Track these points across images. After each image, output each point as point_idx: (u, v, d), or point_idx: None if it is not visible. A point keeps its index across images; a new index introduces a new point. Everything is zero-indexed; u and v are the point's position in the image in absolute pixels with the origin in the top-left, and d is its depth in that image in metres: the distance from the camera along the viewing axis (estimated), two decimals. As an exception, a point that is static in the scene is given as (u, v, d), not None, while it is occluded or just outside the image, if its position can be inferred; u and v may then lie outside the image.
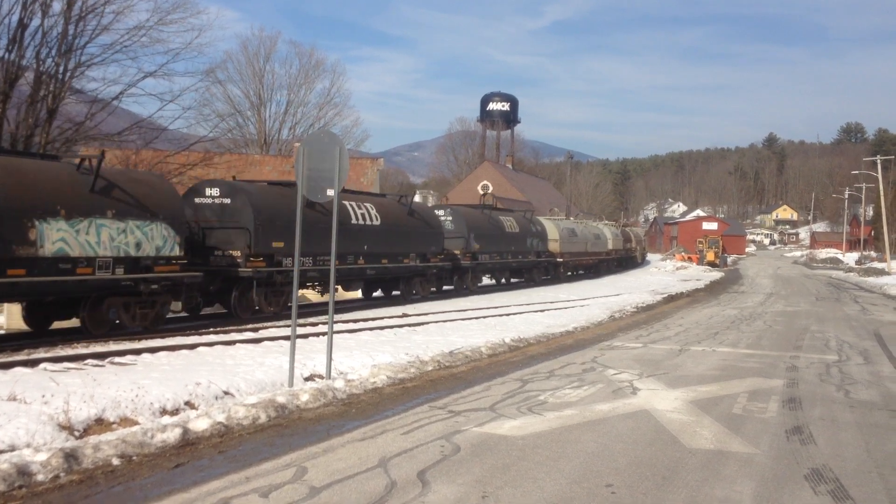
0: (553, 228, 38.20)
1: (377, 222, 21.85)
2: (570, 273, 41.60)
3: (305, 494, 5.98)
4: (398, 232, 23.02)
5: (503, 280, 34.61)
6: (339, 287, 21.99)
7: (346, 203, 20.79)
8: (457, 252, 27.27)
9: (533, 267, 35.29)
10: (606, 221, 62.34)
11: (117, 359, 11.13)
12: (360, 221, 21.29)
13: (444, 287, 27.51)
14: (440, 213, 28.13)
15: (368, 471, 6.62)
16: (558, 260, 37.69)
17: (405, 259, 23.42)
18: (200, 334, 14.42)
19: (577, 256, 41.61)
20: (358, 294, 25.20)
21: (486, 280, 32.73)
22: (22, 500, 5.81)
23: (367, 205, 22.15)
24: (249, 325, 16.13)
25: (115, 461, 6.73)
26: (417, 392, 10.32)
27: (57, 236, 12.80)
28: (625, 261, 56.77)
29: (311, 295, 23.62)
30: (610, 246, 49.43)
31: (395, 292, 24.59)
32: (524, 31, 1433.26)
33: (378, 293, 25.00)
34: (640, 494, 6.22)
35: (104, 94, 24.91)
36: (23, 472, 6.12)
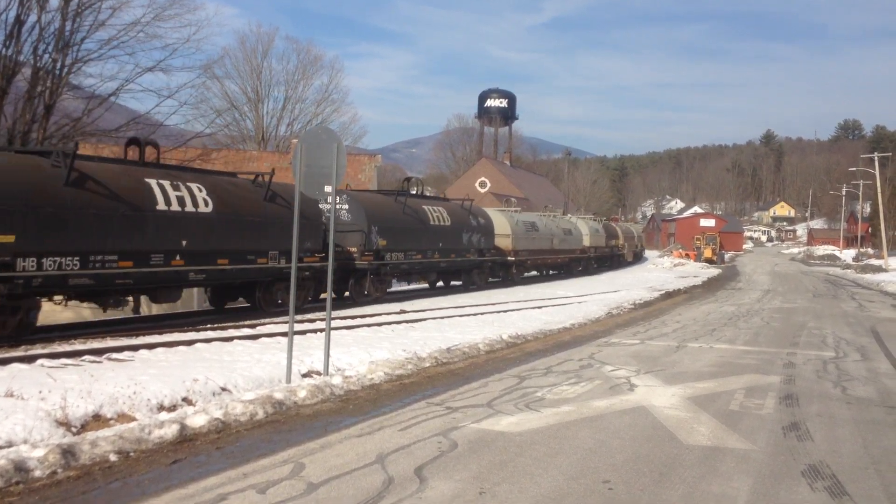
0: (503, 222, 32.62)
1: (199, 209, 15.89)
2: (537, 273, 38.50)
3: (303, 490, 5.99)
4: (243, 222, 17.06)
5: (441, 283, 29.42)
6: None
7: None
8: (352, 250, 21.72)
9: (473, 268, 29.28)
10: (591, 216, 55.78)
11: (115, 355, 11.12)
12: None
13: (345, 294, 22.07)
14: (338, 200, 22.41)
15: (366, 467, 6.62)
16: (510, 259, 32.10)
17: (260, 259, 17.69)
18: (198, 331, 14.42)
19: (539, 255, 36.11)
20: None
21: (408, 285, 28.59)
22: (19, 496, 5.81)
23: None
24: (247, 322, 16.12)
25: (113, 457, 6.73)
26: (415, 388, 10.33)
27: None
28: (608, 260, 50.96)
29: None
30: (587, 243, 44.03)
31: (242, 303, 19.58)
32: (522, 27, 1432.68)
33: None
34: (637, 490, 6.23)
35: (101, 89, 24.89)
36: (20, 468, 6.12)
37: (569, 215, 48.32)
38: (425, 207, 26.05)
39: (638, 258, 65.29)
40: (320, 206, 19.69)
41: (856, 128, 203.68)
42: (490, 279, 31.16)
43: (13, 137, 21.78)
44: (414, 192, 26.89)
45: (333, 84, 60.67)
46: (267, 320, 16.53)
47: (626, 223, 74.64)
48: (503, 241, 32.14)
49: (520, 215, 36.55)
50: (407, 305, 20.91)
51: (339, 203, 21.96)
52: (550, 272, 40.42)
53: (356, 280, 21.91)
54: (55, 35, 23.00)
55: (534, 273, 38.63)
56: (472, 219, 29.00)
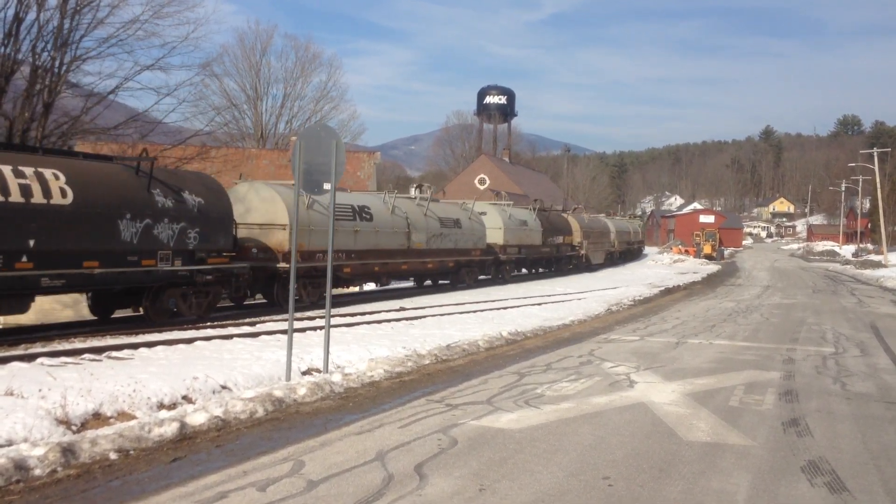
0: (278, 204, 19.48)
1: (52, 200, 13.07)
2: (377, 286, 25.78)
3: (303, 488, 5.99)
4: (117, 217, 14.25)
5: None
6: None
7: None
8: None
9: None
10: (532, 205, 38.71)
11: (115, 353, 11.12)
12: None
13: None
14: None
15: (366, 464, 6.62)
16: (281, 266, 18.79)
17: (146, 260, 14.80)
18: (198, 329, 14.43)
19: (371, 258, 22.22)
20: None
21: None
22: (19, 494, 5.81)
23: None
24: (247, 320, 16.12)
25: (113, 455, 6.73)
26: (415, 386, 10.33)
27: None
28: (557, 261, 39.11)
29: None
30: (497, 239, 31.01)
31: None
32: (520, 23, 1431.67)
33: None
34: (636, 487, 6.24)
35: (100, 87, 24.84)
36: (20, 466, 6.12)
37: (471, 203, 31.08)
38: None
39: (636, 256, 62.70)
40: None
41: (855, 123, 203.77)
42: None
43: (12, 136, 21.77)
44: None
45: (332, 81, 60.66)
46: (266, 318, 16.54)
47: (622, 218, 70.47)
48: (277, 238, 19.45)
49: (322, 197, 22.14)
50: (407, 303, 20.94)
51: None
52: (417, 281, 28.35)
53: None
54: (54, 33, 22.98)
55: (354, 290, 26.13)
56: (196, 200, 17.46)
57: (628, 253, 58.49)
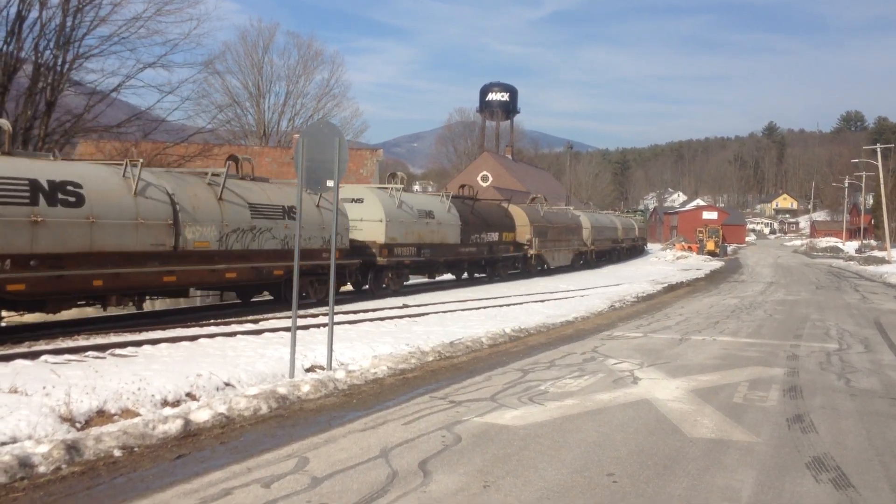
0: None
1: None
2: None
3: (307, 485, 5.99)
4: None
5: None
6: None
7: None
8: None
9: None
10: (443, 194, 28.98)
11: (118, 351, 11.12)
12: None
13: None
14: None
15: (370, 461, 6.62)
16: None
17: None
18: (201, 326, 14.43)
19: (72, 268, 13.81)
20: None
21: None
22: (24, 491, 5.81)
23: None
24: (250, 317, 16.13)
25: (117, 453, 6.73)
26: (418, 382, 10.33)
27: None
28: (490, 265, 30.52)
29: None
30: (376, 236, 22.67)
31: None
32: (523, 21, 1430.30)
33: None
34: (641, 483, 6.23)
35: (103, 85, 24.91)
36: (24, 463, 6.12)
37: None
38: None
39: (632, 254, 58.62)
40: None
41: (858, 119, 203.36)
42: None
43: (15, 134, 21.79)
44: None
45: (334, 79, 60.87)
46: (270, 315, 16.54)
47: (615, 213, 63.99)
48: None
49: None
50: (410, 300, 20.92)
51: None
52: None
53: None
54: (56, 31, 23.04)
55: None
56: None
57: (614, 252, 51.20)
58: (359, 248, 21.80)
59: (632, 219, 65.51)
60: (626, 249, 55.35)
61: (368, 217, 22.82)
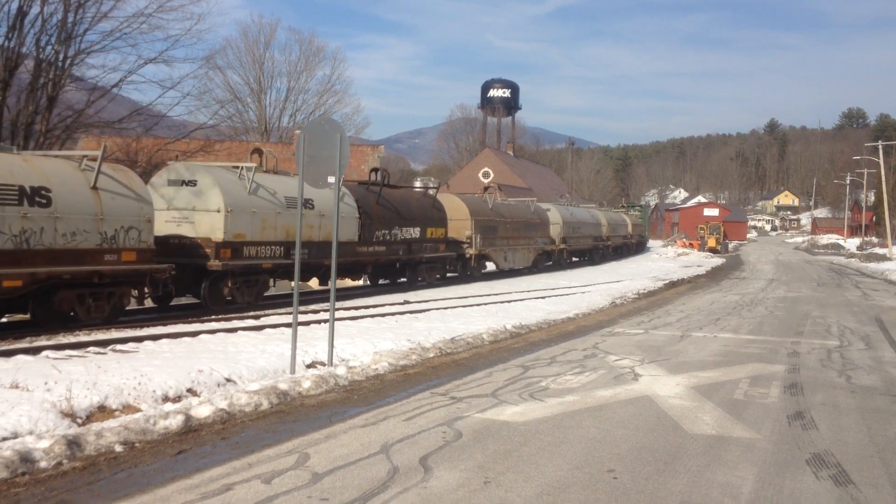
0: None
1: None
2: None
3: (308, 480, 5.99)
4: None
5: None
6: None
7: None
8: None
9: None
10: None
11: (119, 346, 11.14)
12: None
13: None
14: None
15: (371, 457, 6.63)
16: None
17: None
18: (202, 322, 14.44)
19: None
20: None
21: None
22: (25, 486, 5.82)
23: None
24: (251, 313, 16.13)
25: (118, 448, 6.74)
26: (419, 378, 10.33)
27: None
28: (409, 266, 24.34)
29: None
30: (214, 233, 16.79)
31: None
32: (525, 17, 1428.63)
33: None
34: (641, 479, 6.23)
35: (104, 81, 24.89)
36: (25, 459, 6.13)
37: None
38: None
39: (631, 252, 56.08)
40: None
41: (860, 116, 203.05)
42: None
43: (16, 129, 21.80)
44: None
45: (336, 75, 60.76)
46: (271, 311, 16.54)
47: (605, 208, 58.59)
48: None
49: None
50: (411, 296, 20.93)
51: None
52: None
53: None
54: (58, 26, 23.01)
55: None
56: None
57: (597, 251, 45.42)
58: (183, 248, 16.68)
59: (625, 214, 60.25)
60: (613, 248, 49.60)
61: (203, 206, 16.95)
